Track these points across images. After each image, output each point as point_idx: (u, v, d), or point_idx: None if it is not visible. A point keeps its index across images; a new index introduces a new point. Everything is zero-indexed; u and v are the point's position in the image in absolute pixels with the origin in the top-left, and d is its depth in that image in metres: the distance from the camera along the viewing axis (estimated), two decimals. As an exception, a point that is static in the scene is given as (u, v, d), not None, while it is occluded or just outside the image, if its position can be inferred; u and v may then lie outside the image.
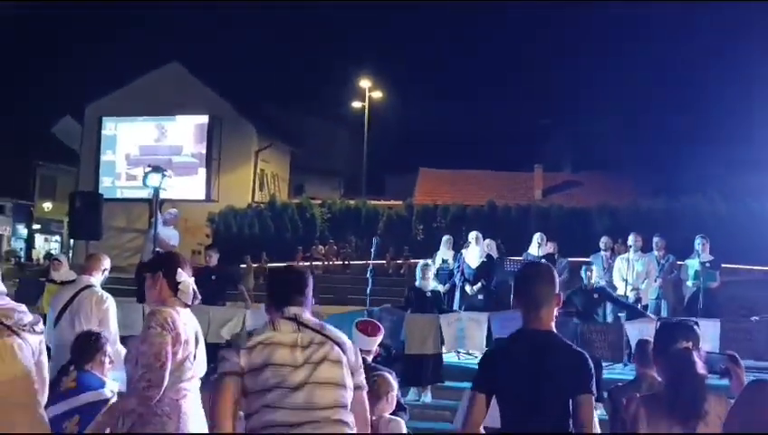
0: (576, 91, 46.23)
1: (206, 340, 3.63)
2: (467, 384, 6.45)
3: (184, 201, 20.49)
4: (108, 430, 3.71)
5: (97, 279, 5.85)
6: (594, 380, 2.95)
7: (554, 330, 3.04)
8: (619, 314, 9.26)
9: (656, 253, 10.32)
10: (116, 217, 23.34)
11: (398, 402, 4.51)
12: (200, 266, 9.65)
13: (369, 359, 4.59)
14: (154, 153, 23.75)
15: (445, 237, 11.68)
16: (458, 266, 10.48)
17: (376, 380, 4.15)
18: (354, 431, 2.97)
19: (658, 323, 4.76)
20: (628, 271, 10.03)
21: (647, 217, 18.31)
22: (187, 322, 3.43)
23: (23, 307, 3.37)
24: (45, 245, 38.69)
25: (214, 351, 3.24)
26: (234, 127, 26.02)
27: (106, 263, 6.01)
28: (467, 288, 10.22)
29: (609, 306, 9.02)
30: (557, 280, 3.13)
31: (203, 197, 24.98)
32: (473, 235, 10.55)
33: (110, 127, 26.02)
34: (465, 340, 8.78)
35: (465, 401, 3.05)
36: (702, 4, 33.27)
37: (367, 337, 4.67)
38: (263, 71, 45.74)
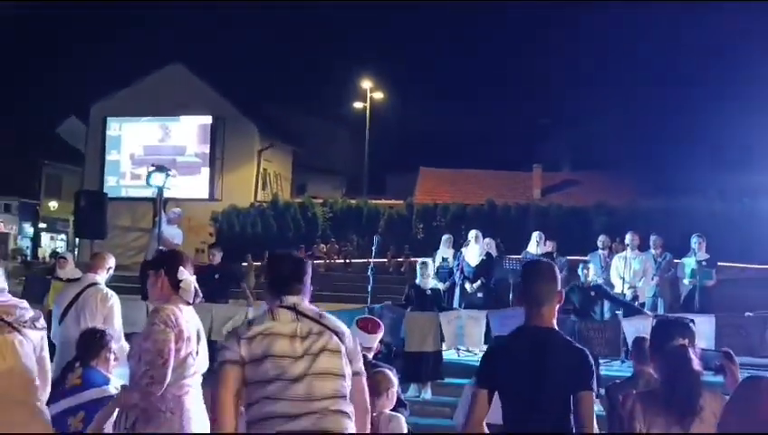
0: (575, 91, 46.33)
1: (208, 337, 3.66)
2: (467, 381, 6.54)
3: (187, 200, 20.50)
4: (109, 424, 3.72)
5: (102, 277, 5.89)
6: (595, 377, 2.97)
7: (556, 327, 3.07)
8: (617, 312, 9.28)
9: (653, 251, 10.35)
10: (121, 216, 23.46)
11: (399, 399, 4.52)
12: (203, 265, 9.71)
13: (370, 356, 4.60)
14: (158, 153, 23.83)
15: (445, 236, 11.73)
16: (458, 265, 10.51)
17: (376, 376, 4.19)
18: (354, 421, 2.98)
19: (655, 321, 4.82)
20: (625, 269, 10.03)
21: (644, 216, 18.28)
22: (189, 319, 3.45)
23: (24, 303, 3.40)
24: (51, 243, 38.62)
25: (216, 348, 3.25)
26: (236, 127, 26.04)
27: (111, 261, 6.06)
28: (467, 286, 10.26)
29: (606, 304, 9.05)
30: (559, 278, 3.16)
31: (206, 196, 25.06)
32: (472, 233, 10.59)
33: (115, 127, 26.14)
34: (465, 337, 8.83)
35: (466, 397, 3.06)
36: (702, 4, 33.31)
37: (367, 334, 4.69)
38: (265, 71, 46.03)
